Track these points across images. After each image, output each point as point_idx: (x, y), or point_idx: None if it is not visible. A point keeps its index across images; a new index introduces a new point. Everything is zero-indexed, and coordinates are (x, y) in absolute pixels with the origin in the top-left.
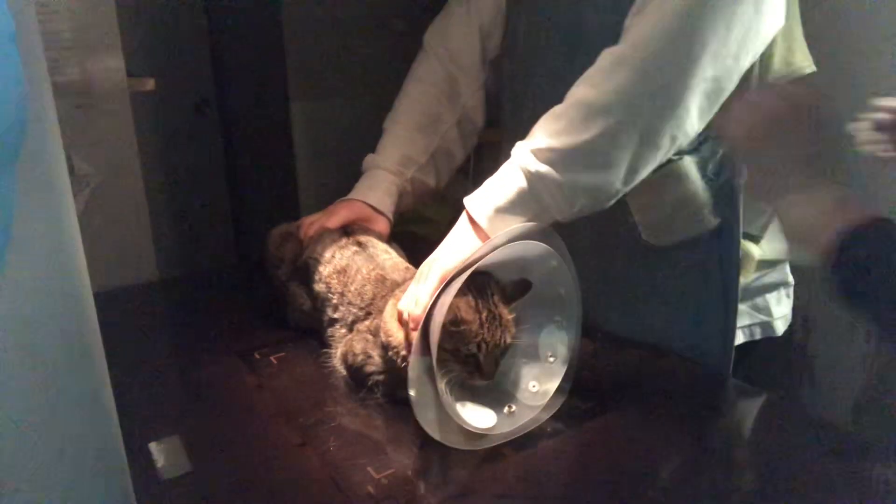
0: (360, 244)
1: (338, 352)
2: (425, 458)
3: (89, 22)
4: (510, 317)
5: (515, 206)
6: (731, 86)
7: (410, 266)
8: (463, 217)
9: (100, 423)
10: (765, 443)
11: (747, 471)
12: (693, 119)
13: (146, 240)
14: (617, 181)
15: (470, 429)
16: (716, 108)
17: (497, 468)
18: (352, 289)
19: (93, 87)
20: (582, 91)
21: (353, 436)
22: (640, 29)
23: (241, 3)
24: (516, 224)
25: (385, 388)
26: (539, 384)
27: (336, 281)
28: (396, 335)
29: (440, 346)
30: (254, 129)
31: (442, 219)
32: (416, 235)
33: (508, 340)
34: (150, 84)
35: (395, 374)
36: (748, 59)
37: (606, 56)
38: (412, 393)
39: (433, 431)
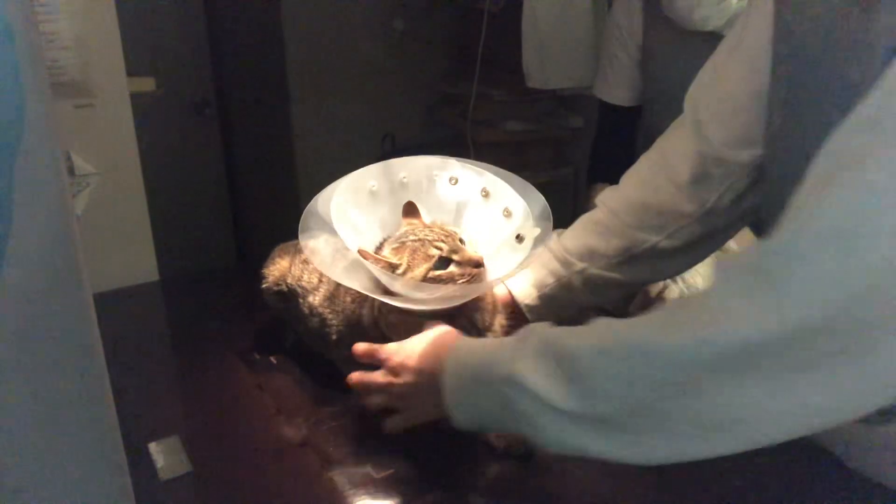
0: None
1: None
2: (425, 458)
3: (89, 22)
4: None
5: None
6: None
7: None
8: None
9: (100, 423)
10: None
11: None
12: None
13: (146, 240)
14: None
15: None
16: None
17: (497, 468)
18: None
19: (93, 87)
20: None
21: (353, 436)
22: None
23: (241, 3)
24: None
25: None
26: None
27: (328, 310)
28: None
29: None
30: (254, 129)
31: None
32: None
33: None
34: (150, 84)
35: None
36: None
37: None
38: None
39: None
